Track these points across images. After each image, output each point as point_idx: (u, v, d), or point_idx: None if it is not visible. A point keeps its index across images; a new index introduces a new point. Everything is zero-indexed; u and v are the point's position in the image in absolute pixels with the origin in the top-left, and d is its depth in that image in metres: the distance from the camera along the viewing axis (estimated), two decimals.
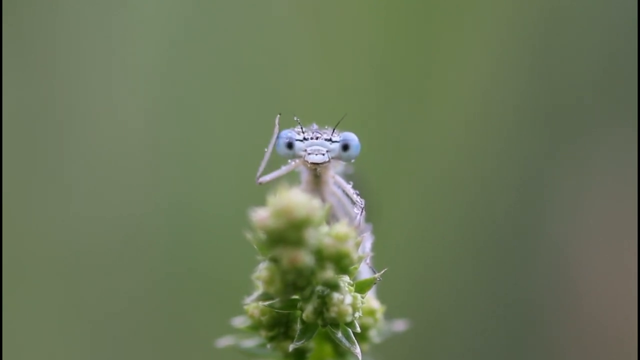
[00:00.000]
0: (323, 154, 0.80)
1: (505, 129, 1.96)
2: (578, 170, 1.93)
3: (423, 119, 1.97)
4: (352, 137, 0.81)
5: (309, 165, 0.80)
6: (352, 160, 0.81)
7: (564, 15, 1.99)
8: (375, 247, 0.82)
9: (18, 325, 1.82)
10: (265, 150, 0.81)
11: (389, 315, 0.80)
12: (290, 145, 0.80)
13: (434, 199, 1.94)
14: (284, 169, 0.81)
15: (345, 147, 0.80)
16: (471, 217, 1.95)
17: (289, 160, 0.81)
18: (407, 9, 1.99)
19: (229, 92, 1.99)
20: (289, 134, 0.80)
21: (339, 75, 1.99)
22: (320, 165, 0.80)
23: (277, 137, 0.80)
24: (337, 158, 0.81)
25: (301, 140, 0.80)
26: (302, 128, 0.81)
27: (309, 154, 0.80)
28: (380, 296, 0.81)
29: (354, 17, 2.01)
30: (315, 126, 0.81)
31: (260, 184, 0.81)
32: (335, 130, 0.81)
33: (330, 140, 0.80)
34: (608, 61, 1.97)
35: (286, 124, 0.82)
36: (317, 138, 0.80)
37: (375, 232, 0.83)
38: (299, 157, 0.80)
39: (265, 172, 0.81)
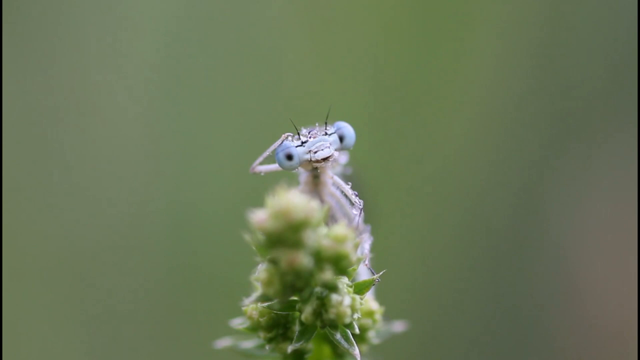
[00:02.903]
0: (328, 147, 0.80)
1: (506, 130, 1.96)
2: (579, 172, 1.93)
3: (423, 119, 1.97)
4: (344, 124, 0.81)
5: (314, 164, 0.80)
6: (351, 147, 0.82)
7: (565, 19, 1.99)
8: (375, 249, 0.81)
9: (18, 324, 1.82)
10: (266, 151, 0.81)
11: (388, 317, 0.80)
12: (290, 157, 0.79)
13: (434, 199, 1.94)
14: (276, 165, 0.81)
15: (341, 135, 0.81)
16: (472, 219, 1.95)
17: (294, 171, 0.81)
18: (407, 9, 1.99)
19: (227, 91, 1.99)
20: (286, 146, 0.80)
21: (337, 74, 1.99)
22: (329, 159, 0.80)
23: (276, 153, 0.80)
24: (339, 149, 0.81)
25: (301, 145, 0.80)
26: (298, 134, 0.81)
27: (315, 152, 0.80)
28: (380, 297, 0.81)
29: (354, 17, 2.01)
30: (304, 130, 0.81)
31: (253, 173, 0.81)
32: (327, 124, 0.81)
33: (326, 134, 0.80)
34: (608, 65, 1.97)
35: (284, 125, 0.81)
36: (314, 137, 0.80)
37: (375, 233, 0.82)
38: (305, 161, 0.80)
39: (261, 166, 0.81)
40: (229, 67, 1.98)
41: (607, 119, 1.97)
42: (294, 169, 0.81)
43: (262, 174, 0.82)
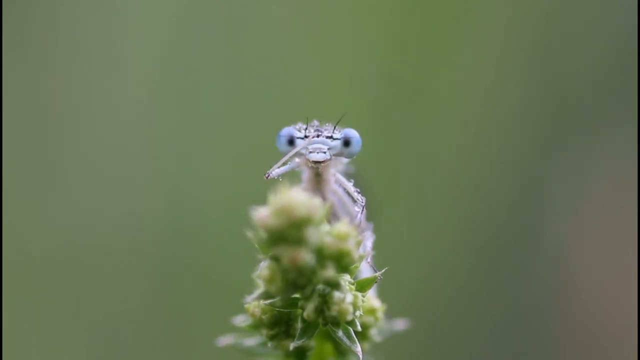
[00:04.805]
0: (324, 152, 0.80)
1: (505, 129, 1.96)
2: (578, 172, 1.93)
3: (423, 119, 1.97)
4: (353, 133, 0.80)
5: (310, 164, 0.80)
6: (354, 157, 0.81)
7: (564, 18, 1.99)
8: (376, 246, 0.81)
9: (17, 325, 1.82)
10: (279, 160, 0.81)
11: (390, 314, 0.80)
12: (291, 142, 0.80)
13: (434, 199, 1.94)
14: (289, 165, 0.81)
15: (346, 144, 0.80)
16: (472, 218, 1.95)
17: (297, 168, 0.81)
18: (407, 8, 1.99)
19: (227, 91, 1.99)
20: (290, 131, 0.80)
21: (338, 74, 1.99)
22: (322, 163, 0.80)
23: (279, 133, 0.80)
24: (339, 155, 0.81)
25: (302, 138, 0.80)
26: (305, 125, 0.80)
27: (310, 152, 0.79)
28: (382, 295, 0.81)
29: (354, 16, 2.01)
30: (316, 123, 0.81)
31: (268, 177, 0.81)
32: (336, 128, 0.81)
33: (331, 137, 0.80)
34: (608, 63, 1.97)
35: (287, 122, 0.81)
36: (318, 136, 0.80)
37: (376, 231, 0.82)
38: (300, 155, 0.80)
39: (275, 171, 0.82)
40: (230, 67, 1.98)
41: (607, 118, 1.97)
42: (288, 153, 0.80)
43: (279, 178, 0.81)
